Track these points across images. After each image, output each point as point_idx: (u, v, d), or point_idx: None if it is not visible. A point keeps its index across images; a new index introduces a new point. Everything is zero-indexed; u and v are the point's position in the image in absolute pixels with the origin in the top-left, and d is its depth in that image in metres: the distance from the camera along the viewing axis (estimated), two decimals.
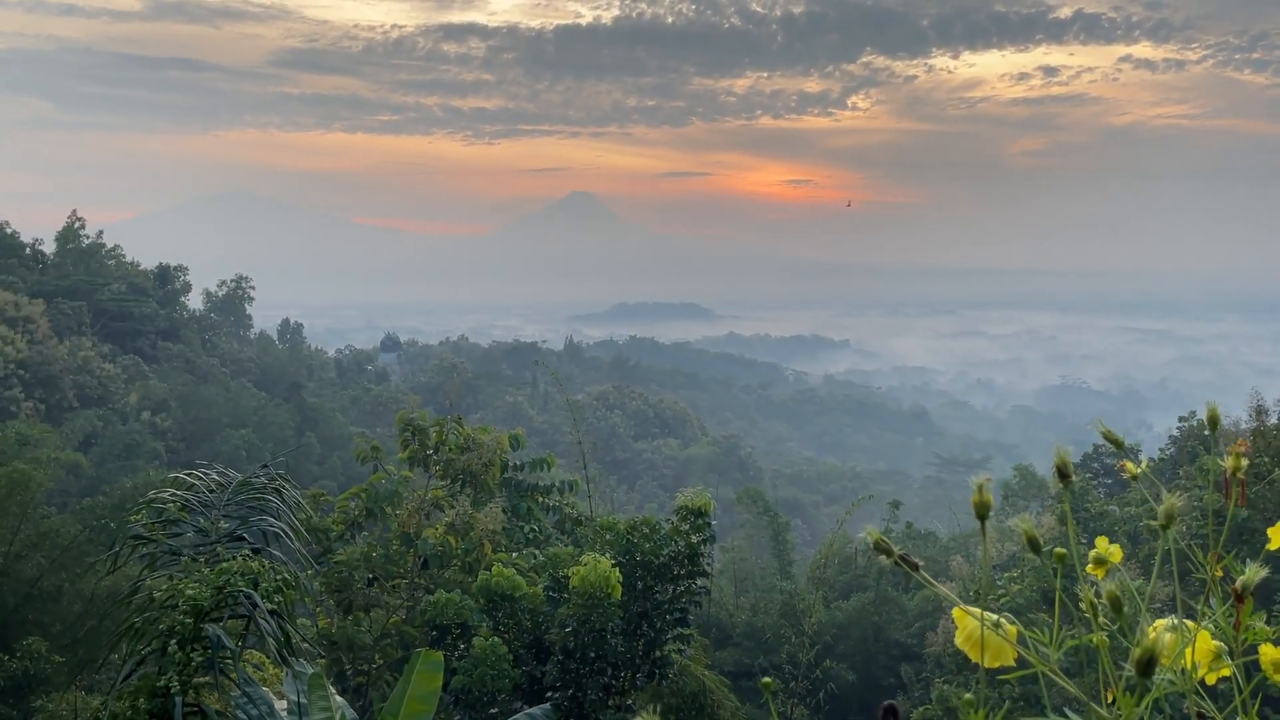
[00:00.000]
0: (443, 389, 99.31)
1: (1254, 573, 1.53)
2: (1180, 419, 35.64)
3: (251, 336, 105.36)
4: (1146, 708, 1.48)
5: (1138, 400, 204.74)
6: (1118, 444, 1.80)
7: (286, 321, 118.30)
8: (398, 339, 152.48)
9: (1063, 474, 1.73)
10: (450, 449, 19.32)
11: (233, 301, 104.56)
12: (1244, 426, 20.83)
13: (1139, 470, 1.85)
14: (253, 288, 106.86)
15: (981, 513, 1.69)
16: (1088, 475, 33.32)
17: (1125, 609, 1.58)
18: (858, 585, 34.16)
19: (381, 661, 16.68)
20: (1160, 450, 38.04)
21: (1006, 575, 23.31)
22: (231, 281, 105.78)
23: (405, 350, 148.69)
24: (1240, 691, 1.51)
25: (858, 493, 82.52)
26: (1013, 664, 1.63)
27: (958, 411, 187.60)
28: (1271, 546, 1.63)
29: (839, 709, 25.78)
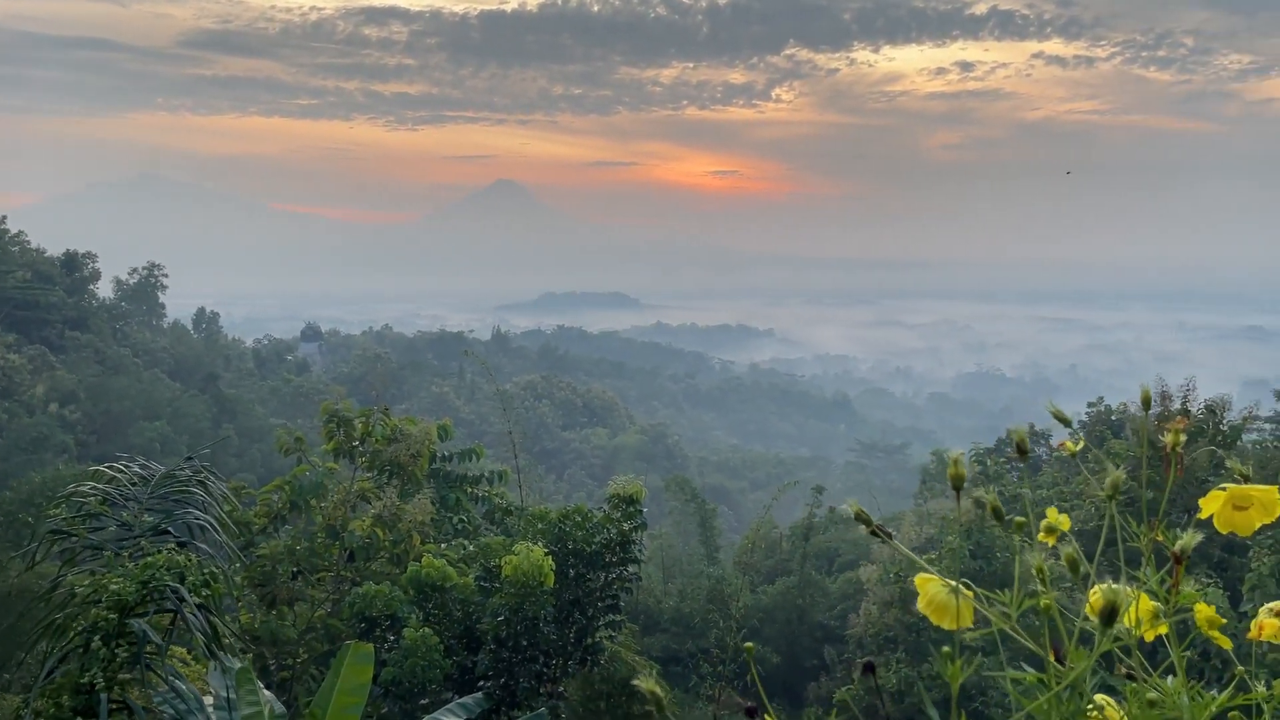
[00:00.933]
0: (366, 380, 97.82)
1: (1190, 539, 1.69)
2: (1089, 404, 36.84)
3: (165, 326, 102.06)
4: (1097, 660, 1.62)
5: (1048, 387, 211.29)
6: (1065, 421, 1.98)
7: (202, 310, 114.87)
8: (319, 328, 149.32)
9: (1021, 450, 1.88)
10: (377, 440, 19.07)
11: (144, 290, 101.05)
12: (1151, 411, 21.77)
13: (1077, 448, 2.02)
14: (166, 275, 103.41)
15: (957, 485, 1.83)
16: (1001, 460, 34.34)
17: (1080, 569, 1.73)
18: (782, 570, 34.76)
19: (306, 656, 16.44)
20: (1070, 434, 39.29)
21: (926, 557, 23.93)
22: (143, 269, 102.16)
23: (326, 340, 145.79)
24: (1177, 645, 1.65)
25: (782, 479, 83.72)
26: (971, 626, 1.78)
27: (878, 399, 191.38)
28: (1202, 515, 1.79)
29: (766, 691, 26.25)
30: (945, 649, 1.70)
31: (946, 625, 1.78)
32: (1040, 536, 1.82)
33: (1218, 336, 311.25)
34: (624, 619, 12.29)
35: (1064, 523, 1.81)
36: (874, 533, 1.81)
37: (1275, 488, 1.74)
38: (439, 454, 21.01)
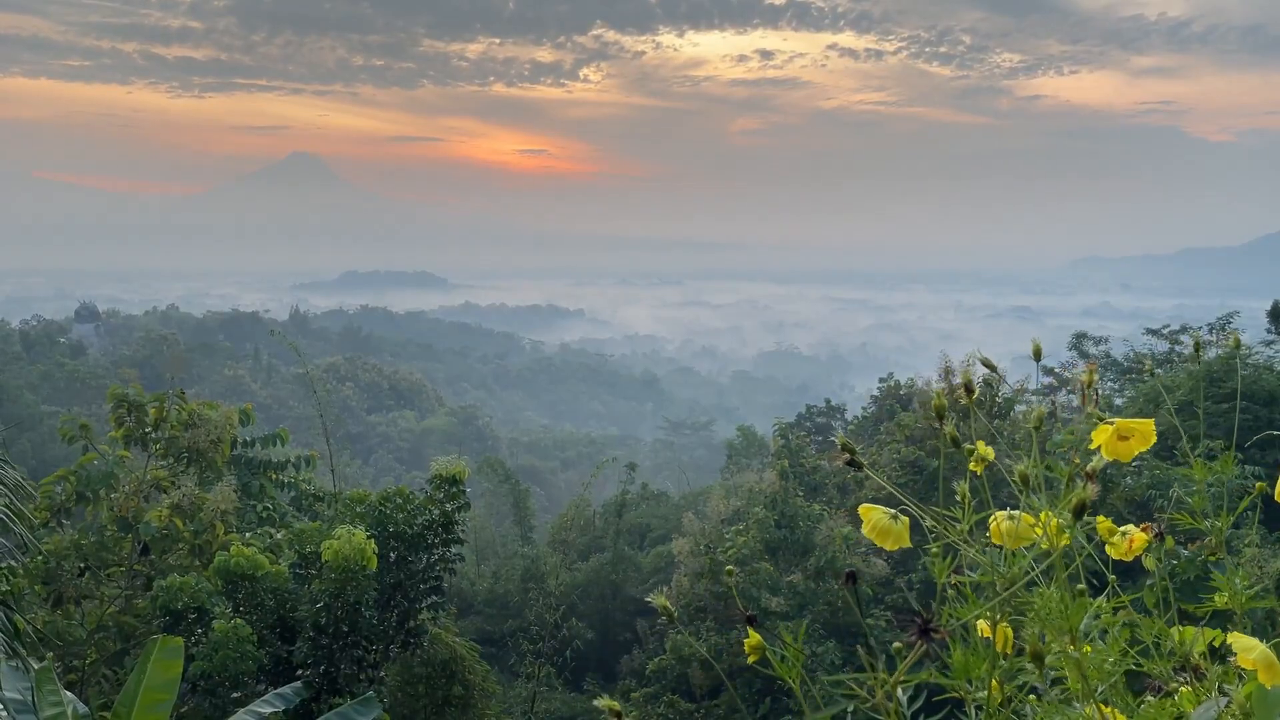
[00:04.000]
0: (151, 362, 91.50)
1: (1099, 463, 1.96)
2: (880, 380, 39.29)
3: None
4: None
5: (841, 364, 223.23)
6: (991, 367, 2.24)
7: None
8: (95, 308, 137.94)
9: (969, 389, 2.09)
10: (173, 426, 17.98)
11: None
12: (936, 385, 23.51)
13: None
14: None
15: (940, 413, 2.11)
16: (802, 434, 36.08)
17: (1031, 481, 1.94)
18: (596, 547, 35.27)
19: (96, 656, 15.39)
20: (862, 409, 41.72)
21: (733, 529, 24.91)
22: None
23: (105, 321, 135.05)
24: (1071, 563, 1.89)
25: (593, 458, 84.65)
26: (909, 545, 2.00)
27: (684, 378, 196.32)
28: (1092, 446, 2.04)
29: (580, 666, 26.66)
30: (933, 548, 1.90)
31: (889, 547, 2.01)
32: (971, 465, 2.05)
33: (990, 316, 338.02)
34: (446, 601, 12.22)
35: (989, 453, 2.07)
36: (851, 463, 2.01)
37: (1151, 420, 2.03)
38: (240, 440, 20.04)
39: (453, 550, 11.76)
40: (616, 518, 34.39)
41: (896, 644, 1.88)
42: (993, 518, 1.97)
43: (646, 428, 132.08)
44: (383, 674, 11.30)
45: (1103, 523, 2.07)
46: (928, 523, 1.98)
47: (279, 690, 9.17)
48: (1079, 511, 1.84)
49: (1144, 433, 2.03)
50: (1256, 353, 26.19)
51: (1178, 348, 36.38)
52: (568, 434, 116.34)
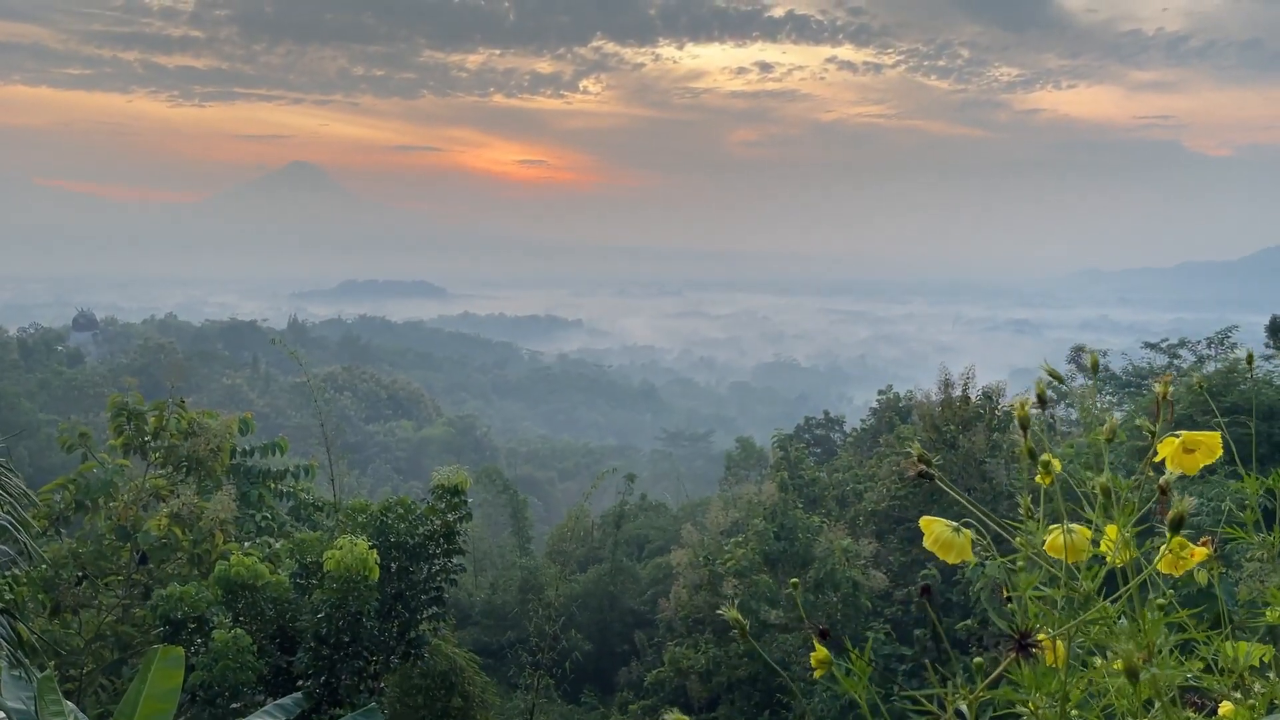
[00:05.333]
0: (149, 371, 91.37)
1: (1171, 476, 1.91)
2: (879, 392, 39.23)
3: None
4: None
5: (840, 376, 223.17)
6: (1058, 378, 2.15)
7: None
8: (93, 316, 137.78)
9: (1041, 400, 2.05)
10: (172, 434, 17.94)
11: None
12: (934, 397, 23.50)
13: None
14: None
15: (1024, 424, 2.01)
16: (800, 445, 36.03)
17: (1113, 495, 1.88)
18: (594, 558, 35.20)
19: (94, 666, 15.33)
20: (861, 421, 41.67)
21: (732, 540, 24.87)
22: None
23: (103, 329, 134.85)
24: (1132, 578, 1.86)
25: (591, 468, 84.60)
26: (972, 559, 1.95)
27: (683, 388, 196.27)
28: (1157, 459, 1.99)
29: (578, 678, 26.60)
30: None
31: (951, 560, 1.95)
32: (1039, 479, 1.98)
33: (988, 328, 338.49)
34: (447, 612, 12.20)
35: (1056, 464, 1.98)
36: (923, 475, 1.95)
37: (1217, 434, 1.99)
38: (239, 449, 20.00)
39: (454, 561, 11.75)
40: (615, 529, 34.33)
41: (978, 659, 1.82)
42: (1048, 531, 1.93)
43: (645, 438, 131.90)
44: (383, 685, 11.27)
45: (1174, 538, 2.02)
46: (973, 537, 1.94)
47: (279, 701, 9.14)
48: (1177, 524, 1.80)
49: (1210, 445, 1.99)
50: (1256, 367, 26.22)
51: (1176, 361, 36.42)
52: (566, 444, 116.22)
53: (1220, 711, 1.83)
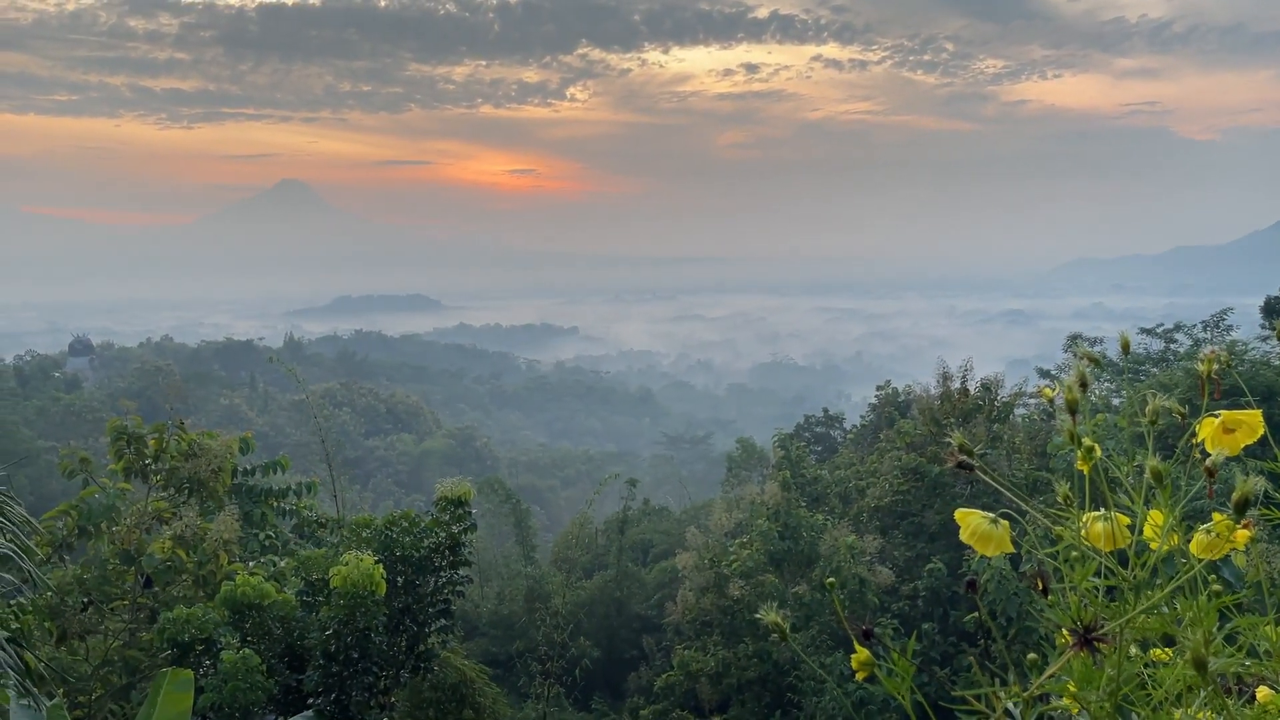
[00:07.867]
0: (147, 394, 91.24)
1: (1219, 457, 1.83)
2: (877, 388, 39.19)
3: None
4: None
5: (836, 373, 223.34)
6: (1097, 361, 2.06)
7: None
8: (89, 341, 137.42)
9: (1090, 368, 1.98)
10: (173, 457, 17.89)
11: None
12: (933, 391, 23.50)
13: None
14: None
15: (1073, 408, 1.92)
16: (801, 444, 36.02)
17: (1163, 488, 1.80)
18: (599, 564, 35.17)
19: (102, 692, 15.27)
20: (861, 417, 41.65)
21: (736, 541, 24.84)
22: None
23: (99, 354, 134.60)
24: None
25: (592, 475, 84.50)
26: (1012, 550, 1.90)
27: (680, 392, 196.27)
28: (1197, 440, 1.92)
29: (588, 685, 26.56)
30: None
31: (990, 553, 1.90)
32: (1079, 465, 1.90)
33: (982, 321, 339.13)
34: (455, 624, 12.17)
35: (1097, 451, 1.91)
36: (963, 465, 1.90)
37: (1259, 412, 1.92)
38: (240, 468, 19.96)
39: (460, 572, 11.71)
40: (619, 534, 34.28)
41: (1031, 655, 1.76)
42: (1085, 519, 1.86)
43: (644, 443, 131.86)
44: (394, 700, 11.24)
45: (1219, 519, 1.96)
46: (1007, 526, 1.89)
47: None
48: (1242, 507, 1.72)
49: (1251, 424, 1.92)
50: (1253, 348, 26.25)
51: (1172, 346, 36.47)
52: (566, 452, 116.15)
53: (1258, 697, 1.80)
